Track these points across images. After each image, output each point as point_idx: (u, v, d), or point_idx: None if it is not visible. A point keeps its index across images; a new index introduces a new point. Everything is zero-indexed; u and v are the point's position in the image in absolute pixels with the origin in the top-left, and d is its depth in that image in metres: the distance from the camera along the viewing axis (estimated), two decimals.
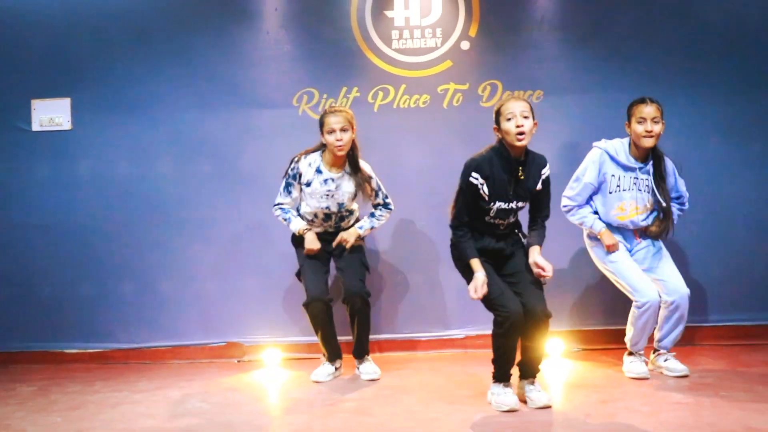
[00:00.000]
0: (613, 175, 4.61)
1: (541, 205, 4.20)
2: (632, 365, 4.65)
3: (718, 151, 5.37)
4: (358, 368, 4.95)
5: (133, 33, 5.59)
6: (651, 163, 4.60)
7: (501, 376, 4.11)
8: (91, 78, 5.60)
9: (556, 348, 5.26)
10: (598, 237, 4.65)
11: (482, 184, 4.02)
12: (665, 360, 4.65)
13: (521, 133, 3.96)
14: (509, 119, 3.98)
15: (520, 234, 4.28)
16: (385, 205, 4.99)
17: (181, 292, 5.60)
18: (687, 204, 4.81)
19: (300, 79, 5.51)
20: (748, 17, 5.39)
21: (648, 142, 4.51)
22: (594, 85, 5.40)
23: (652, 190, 4.59)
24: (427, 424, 3.87)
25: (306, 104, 5.50)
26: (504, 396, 4.06)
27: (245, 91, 5.53)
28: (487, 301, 4.03)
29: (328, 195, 4.81)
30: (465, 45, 5.49)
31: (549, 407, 4.02)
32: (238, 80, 5.54)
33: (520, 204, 4.12)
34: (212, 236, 5.57)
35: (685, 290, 4.54)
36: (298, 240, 4.93)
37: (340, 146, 4.70)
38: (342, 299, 4.82)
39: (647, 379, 4.55)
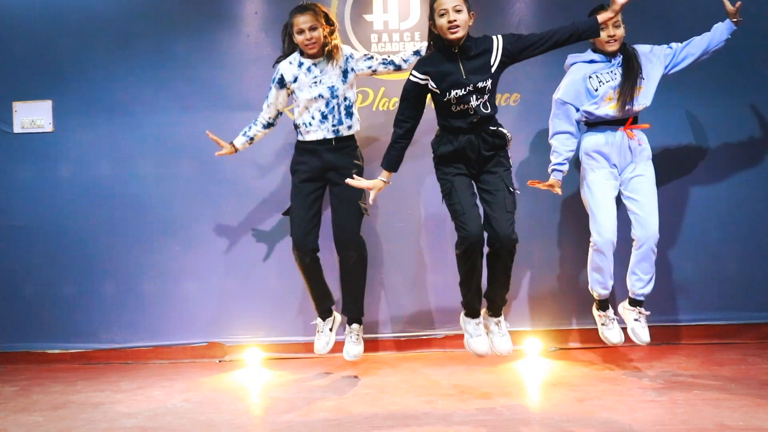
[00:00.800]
0: (590, 77, 4.61)
1: (537, 37, 4.10)
2: (604, 329, 4.72)
3: (690, 152, 5.40)
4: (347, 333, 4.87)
5: (115, 35, 5.57)
6: (621, 56, 4.62)
7: (468, 310, 4.15)
8: (72, 80, 5.58)
9: (533, 347, 5.28)
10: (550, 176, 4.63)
11: (426, 80, 4.08)
12: (635, 318, 4.66)
13: (454, 27, 3.99)
14: (442, 15, 4.01)
15: (500, 130, 4.17)
16: (395, 57, 4.81)
17: (163, 292, 5.58)
18: (702, 37, 4.69)
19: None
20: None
21: (612, 47, 4.58)
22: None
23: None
24: (406, 422, 3.87)
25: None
26: (476, 340, 4.13)
27: (226, 93, 5.52)
28: (452, 216, 4.12)
29: (315, 82, 4.71)
30: None
31: (508, 355, 4.15)
32: (218, 82, 5.53)
33: (479, 84, 4.06)
34: (193, 237, 5.55)
35: (654, 232, 4.50)
36: (293, 167, 4.85)
37: (310, 45, 4.64)
38: (335, 247, 4.72)
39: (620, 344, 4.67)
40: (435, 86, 4.08)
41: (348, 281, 4.82)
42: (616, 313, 4.82)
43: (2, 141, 5.61)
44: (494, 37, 4.12)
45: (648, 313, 4.71)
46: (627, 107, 4.55)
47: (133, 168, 5.57)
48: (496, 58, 4.07)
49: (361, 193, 4.65)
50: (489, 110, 4.10)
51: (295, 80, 4.75)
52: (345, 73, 4.74)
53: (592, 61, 4.66)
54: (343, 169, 4.70)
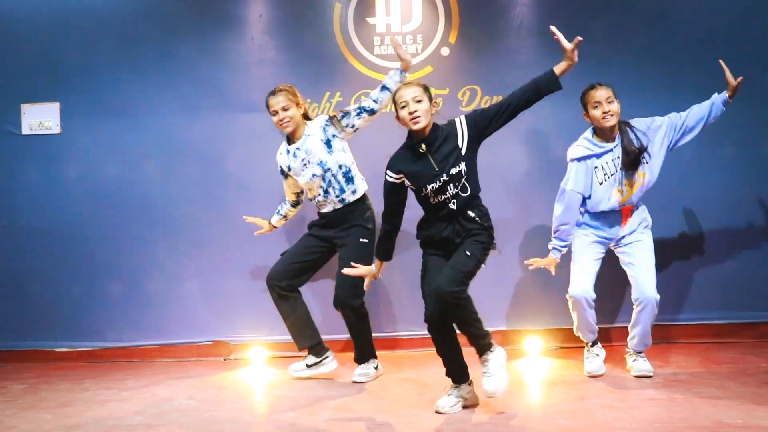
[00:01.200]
0: (596, 167, 4.56)
1: (501, 107, 3.96)
2: (586, 362, 4.74)
3: (688, 154, 5.39)
4: None
5: (121, 38, 5.61)
6: (620, 139, 4.55)
7: (450, 376, 4.12)
8: (80, 82, 5.62)
9: (534, 346, 5.31)
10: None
11: (401, 178, 4.00)
12: (633, 360, 4.69)
13: (415, 117, 3.91)
14: (403, 107, 3.95)
15: (477, 220, 4.00)
16: (368, 101, 4.70)
17: (168, 291, 5.61)
18: (700, 107, 4.63)
19: (284, 83, 5.50)
20: (718, 23, 5.44)
21: (609, 122, 4.50)
22: (569, 90, 5.36)
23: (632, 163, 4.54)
24: (408, 420, 3.90)
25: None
26: (445, 399, 4.06)
27: (230, 95, 5.55)
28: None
29: (305, 165, 4.73)
30: (445, 51, 5.54)
31: (492, 396, 3.95)
32: (223, 85, 5.56)
33: (453, 170, 3.94)
34: (198, 237, 5.58)
35: (652, 294, 4.47)
36: (310, 224, 4.96)
37: (283, 125, 4.70)
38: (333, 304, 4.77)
39: (600, 375, 4.62)
40: (410, 184, 4.02)
41: (352, 334, 4.83)
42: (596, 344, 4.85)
43: (11, 143, 5.66)
44: (457, 120, 4.01)
45: (642, 355, 4.72)
46: (633, 198, 4.60)
47: (139, 169, 5.61)
48: (463, 141, 3.96)
49: (362, 258, 4.55)
50: (468, 192, 3.98)
51: (290, 169, 4.84)
52: (328, 143, 4.72)
53: (592, 154, 4.57)
54: (347, 235, 4.75)
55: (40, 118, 5.64)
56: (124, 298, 5.63)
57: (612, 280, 5.07)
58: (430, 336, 4.02)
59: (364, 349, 4.84)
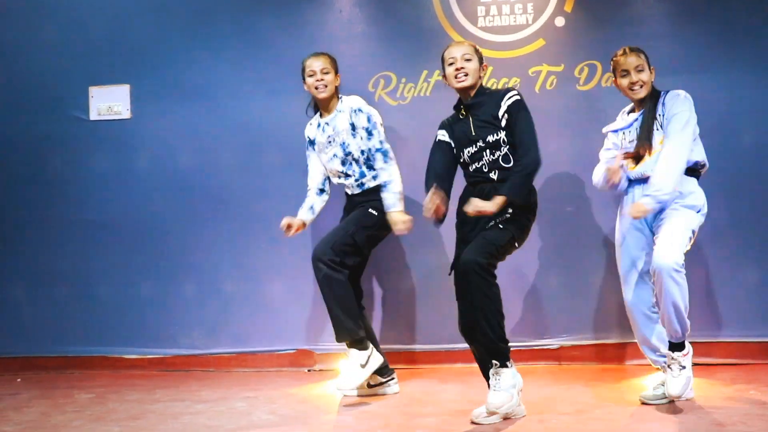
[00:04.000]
0: (625, 140, 4.41)
1: (516, 140, 4.08)
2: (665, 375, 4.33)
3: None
4: None
5: (196, 14, 5.66)
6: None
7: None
8: (151, 63, 5.69)
9: None
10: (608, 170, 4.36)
11: (444, 136, 4.30)
12: (668, 365, 4.21)
13: (461, 75, 4.16)
14: (450, 64, 4.20)
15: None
16: (384, 155, 4.78)
17: (248, 294, 5.62)
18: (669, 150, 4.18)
19: (376, 62, 5.48)
20: None
21: (638, 94, 4.29)
22: (709, 64, 5.18)
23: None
24: None
25: (383, 89, 5.46)
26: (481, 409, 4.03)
27: None
28: None
29: (330, 142, 4.86)
30: (560, 21, 5.37)
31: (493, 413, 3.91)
32: None
33: (489, 138, 4.12)
34: (281, 233, 5.48)
35: (662, 260, 3.98)
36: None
37: (319, 88, 4.81)
38: None
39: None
40: (453, 145, 4.27)
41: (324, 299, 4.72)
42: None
43: (78, 129, 5.75)
44: (510, 92, 4.15)
45: (683, 357, 4.19)
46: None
47: (216, 157, 5.64)
48: (503, 115, 4.11)
49: (355, 224, 4.71)
50: (511, 164, 4.09)
51: (313, 142, 4.97)
52: (353, 126, 4.82)
53: (617, 131, 4.45)
54: (359, 207, 4.83)
55: (109, 102, 5.70)
56: (200, 301, 5.66)
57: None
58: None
59: (337, 324, 4.66)
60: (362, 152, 4.79)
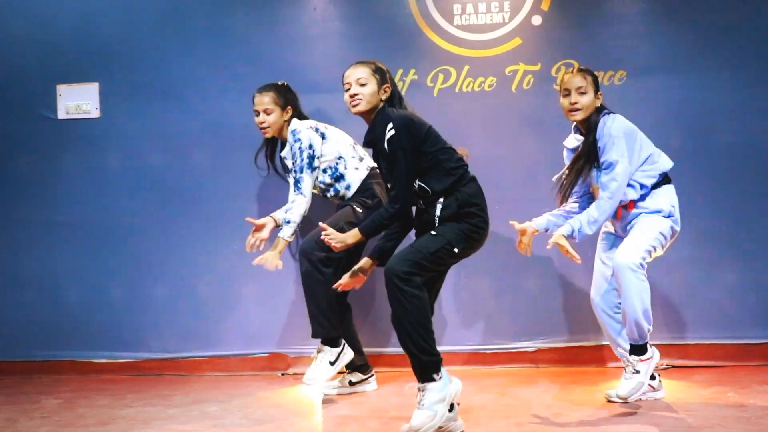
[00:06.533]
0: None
1: (391, 177, 4.02)
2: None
3: None
4: None
5: (167, 11, 5.64)
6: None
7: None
8: (121, 61, 5.66)
9: None
10: None
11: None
12: (625, 365, 4.33)
13: (354, 101, 4.06)
14: (346, 89, 4.11)
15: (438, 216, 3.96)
16: (296, 185, 4.89)
17: (220, 296, 5.62)
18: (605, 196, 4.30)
19: (351, 60, 5.36)
20: None
21: (574, 116, 4.36)
22: (685, 63, 5.26)
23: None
24: None
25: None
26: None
27: (290, 74, 5.44)
28: None
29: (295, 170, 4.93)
30: (537, 20, 5.41)
31: None
32: (281, 62, 5.52)
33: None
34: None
35: (620, 258, 4.13)
36: None
37: (263, 129, 4.97)
38: None
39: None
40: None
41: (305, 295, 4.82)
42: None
43: (46, 128, 5.72)
44: (389, 124, 3.97)
45: (640, 361, 4.25)
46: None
47: (187, 158, 5.63)
48: (386, 145, 3.97)
49: (342, 219, 4.76)
50: (430, 189, 3.97)
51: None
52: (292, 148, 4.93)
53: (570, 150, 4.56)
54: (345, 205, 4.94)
55: (78, 101, 5.68)
56: (171, 304, 5.65)
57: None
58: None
59: (312, 321, 4.77)
60: (324, 171, 4.91)
